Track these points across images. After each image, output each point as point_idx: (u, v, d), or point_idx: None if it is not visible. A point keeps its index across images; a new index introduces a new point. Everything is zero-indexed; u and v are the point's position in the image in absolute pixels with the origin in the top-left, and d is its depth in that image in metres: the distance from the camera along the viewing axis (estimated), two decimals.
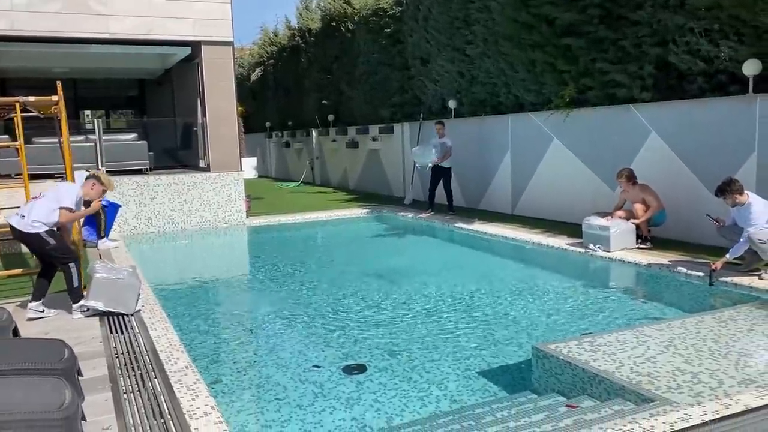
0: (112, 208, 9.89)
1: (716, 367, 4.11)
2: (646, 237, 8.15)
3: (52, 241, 5.50)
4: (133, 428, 3.37)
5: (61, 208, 5.58)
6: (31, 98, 6.05)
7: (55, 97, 6.04)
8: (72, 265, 5.64)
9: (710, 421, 3.23)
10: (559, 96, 10.17)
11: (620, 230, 8.06)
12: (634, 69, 8.92)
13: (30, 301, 5.73)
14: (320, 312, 6.50)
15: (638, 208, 8.14)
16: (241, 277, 8.45)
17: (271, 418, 4.20)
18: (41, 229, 5.47)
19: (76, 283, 5.65)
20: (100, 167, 11.36)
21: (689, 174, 8.30)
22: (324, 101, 19.61)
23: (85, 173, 9.80)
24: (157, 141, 14.64)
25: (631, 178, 8.28)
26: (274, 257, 9.88)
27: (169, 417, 3.47)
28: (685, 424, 3.20)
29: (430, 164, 11.85)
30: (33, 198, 5.73)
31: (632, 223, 8.12)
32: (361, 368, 4.99)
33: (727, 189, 6.32)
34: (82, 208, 5.99)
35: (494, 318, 6.15)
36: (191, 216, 11.89)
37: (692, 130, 8.23)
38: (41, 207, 5.54)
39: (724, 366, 4.13)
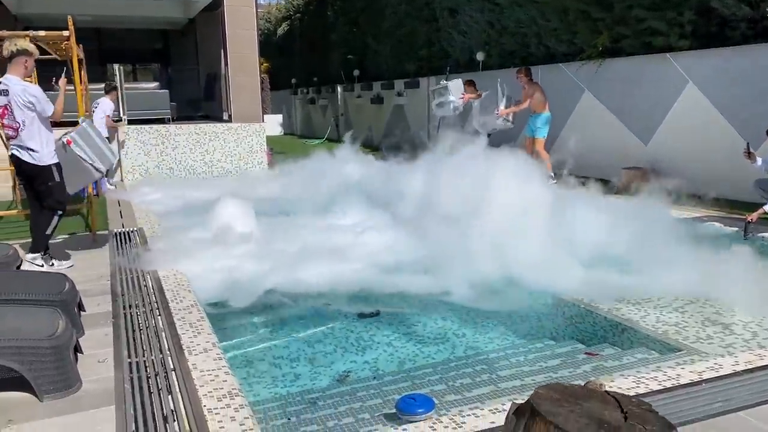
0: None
1: (750, 320, 3.85)
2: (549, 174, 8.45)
3: (57, 177, 5.15)
4: (128, 361, 3.25)
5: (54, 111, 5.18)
6: (41, 32, 5.86)
7: (66, 33, 5.84)
8: (59, 212, 5.24)
9: (743, 371, 2.99)
10: (592, 45, 9.70)
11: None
12: (672, 15, 8.41)
13: (27, 252, 5.25)
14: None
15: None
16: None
17: (279, 354, 4.08)
18: (53, 160, 5.14)
19: (48, 231, 5.23)
20: (122, 116, 11.22)
21: (727, 126, 7.86)
22: (349, 56, 19.19)
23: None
24: (181, 91, 14.50)
25: (528, 73, 9.53)
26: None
27: (168, 353, 3.34)
28: (715, 374, 2.96)
29: (455, 103, 11.02)
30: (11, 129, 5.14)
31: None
32: (375, 315, 4.84)
33: None
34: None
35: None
36: (212, 166, 11.77)
37: (733, 79, 7.76)
38: (31, 131, 5.03)
39: (759, 318, 3.87)
